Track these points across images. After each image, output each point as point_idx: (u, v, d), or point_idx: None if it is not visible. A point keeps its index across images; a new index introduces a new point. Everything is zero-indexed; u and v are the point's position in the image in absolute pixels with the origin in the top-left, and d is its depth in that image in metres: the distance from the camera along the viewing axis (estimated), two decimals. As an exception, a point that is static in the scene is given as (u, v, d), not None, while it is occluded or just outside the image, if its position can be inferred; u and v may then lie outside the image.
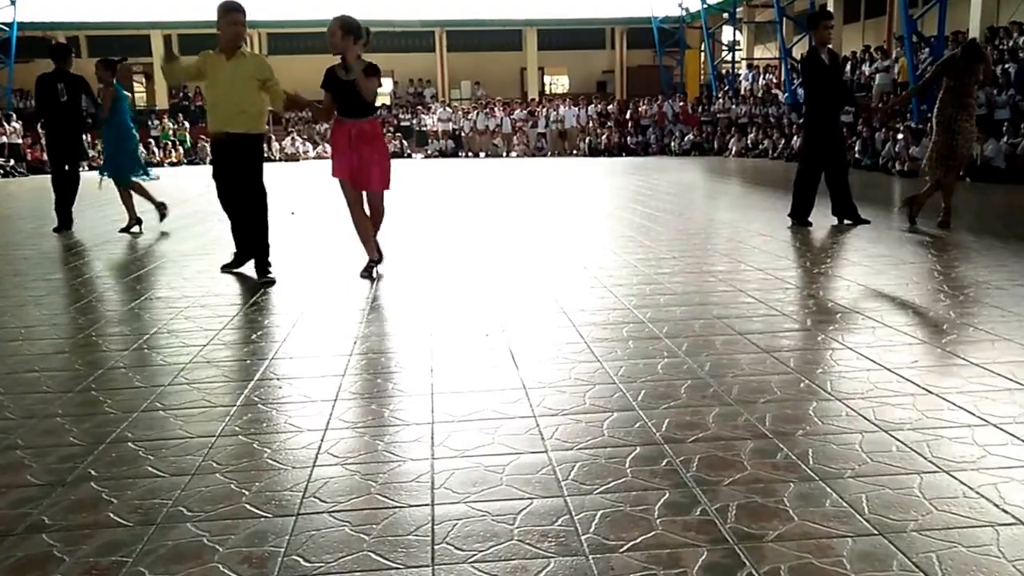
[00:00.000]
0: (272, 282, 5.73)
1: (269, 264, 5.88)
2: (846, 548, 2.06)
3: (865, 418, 2.92)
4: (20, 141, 23.72)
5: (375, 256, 5.94)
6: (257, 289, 5.57)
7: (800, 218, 8.06)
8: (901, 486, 2.38)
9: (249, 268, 6.02)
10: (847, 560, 2.01)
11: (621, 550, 2.08)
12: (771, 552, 2.05)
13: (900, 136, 15.55)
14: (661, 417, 2.98)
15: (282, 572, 2.03)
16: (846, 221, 7.98)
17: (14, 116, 24.34)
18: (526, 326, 4.39)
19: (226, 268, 6.19)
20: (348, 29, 5.57)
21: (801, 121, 20.26)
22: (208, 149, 6.16)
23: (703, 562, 2.02)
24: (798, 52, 23.95)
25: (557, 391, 3.31)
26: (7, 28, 26.95)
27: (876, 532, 2.13)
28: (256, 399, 3.33)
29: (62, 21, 28.41)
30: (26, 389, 3.53)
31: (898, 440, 2.72)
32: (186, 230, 8.96)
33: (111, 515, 2.34)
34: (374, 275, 5.84)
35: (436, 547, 2.12)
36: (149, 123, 28.77)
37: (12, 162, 22.91)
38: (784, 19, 23.84)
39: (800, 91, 22.48)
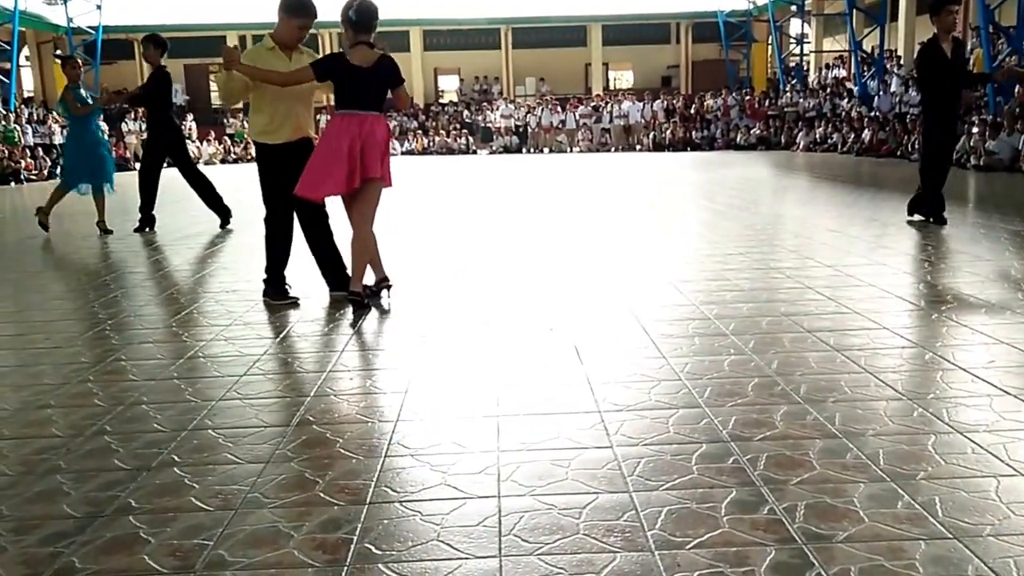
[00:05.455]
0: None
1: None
2: (919, 551, 2.04)
3: (939, 419, 2.87)
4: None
5: (382, 277, 5.18)
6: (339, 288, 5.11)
7: (936, 215, 7.60)
8: (977, 489, 2.34)
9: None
10: (920, 563, 1.99)
11: (687, 547, 2.09)
12: (841, 553, 2.04)
13: (975, 129, 15.07)
14: (727, 415, 2.97)
15: (355, 559, 2.09)
16: (917, 216, 7.77)
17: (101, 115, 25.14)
18: (591, 321, 4.40)
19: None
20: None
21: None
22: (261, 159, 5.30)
23: (771, 561, 2.02)
24: (868, 44, 23.46)
25: (622, 387, 3.32)
26: (93, 31, 28.07)
27: (950, 536, 2.10)
28: (328, 390, 3.41)
29: (143, 24, 29.32)
30: (114, 377, 3.69)
31: (973, 442, 2.66)
32: (260, 225, 9.13)
33: (193, 499, 2.44)
34: (366, 303, 4.88)
35: (503, 538, 2.16)
36: (224, 121, 29.46)
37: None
38: (854, 10, 23.30)
39: (871, 84, 22.12)
